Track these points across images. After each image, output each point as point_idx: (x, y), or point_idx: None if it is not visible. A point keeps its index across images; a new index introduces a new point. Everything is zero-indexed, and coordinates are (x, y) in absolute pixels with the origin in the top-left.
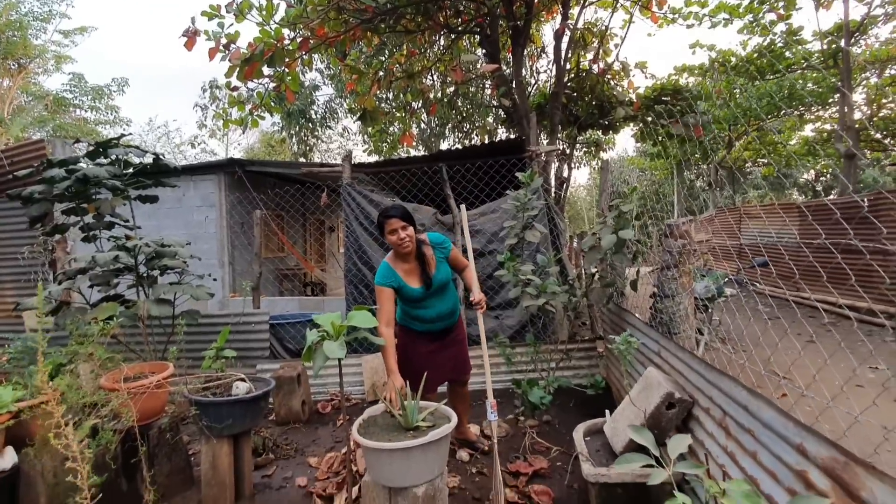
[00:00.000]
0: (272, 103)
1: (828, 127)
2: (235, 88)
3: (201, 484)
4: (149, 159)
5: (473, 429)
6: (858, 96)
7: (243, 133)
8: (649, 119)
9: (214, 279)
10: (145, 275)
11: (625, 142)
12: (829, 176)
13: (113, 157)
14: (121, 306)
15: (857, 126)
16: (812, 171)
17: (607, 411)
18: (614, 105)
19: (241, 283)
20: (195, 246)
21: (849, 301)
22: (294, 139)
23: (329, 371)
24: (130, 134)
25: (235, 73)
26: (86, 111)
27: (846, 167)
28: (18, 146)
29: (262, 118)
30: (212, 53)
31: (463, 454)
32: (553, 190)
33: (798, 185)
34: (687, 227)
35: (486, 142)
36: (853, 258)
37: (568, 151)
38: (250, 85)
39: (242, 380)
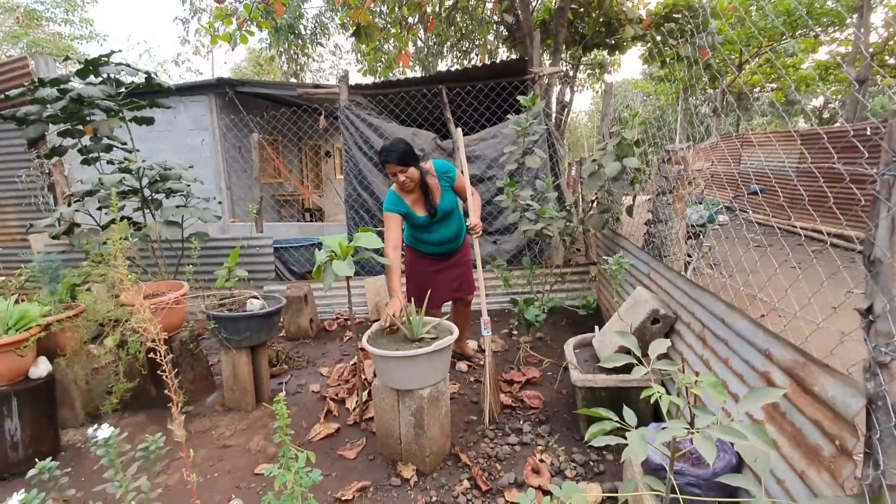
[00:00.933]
0: (260, 17)
1: (842, 50)
2: (221, 1)
3: (223, 389)
4: (141, 79)
5: (472, 344)
6: (877, 17)
7: (232, 50)
8: (658, 38)
9: (220, 202)
10: (150, 198)
11: (630, 64)
12: (837, 103)
13: (104, 75)
14: (131, 228)
15: (871, 50)
16: (821, 98)
17: (596, 327)
18: (622, 23)
19: (241, 209)
20: (192, 170)
21: (841, 230)
22: (283, 57)
23: (333, 292)
24: (120, 50)
25: None
26: (59, 25)
27: (854, 92)
28: (1, 64)
29: (251, 33)
30: None
31: (462, 366)
32: (554, 114)
33: (805, 112)
34: (684, 153)
35: (487, 62)
36: (843, 186)
37: (571, 73)
38: None
39: (256, 297)
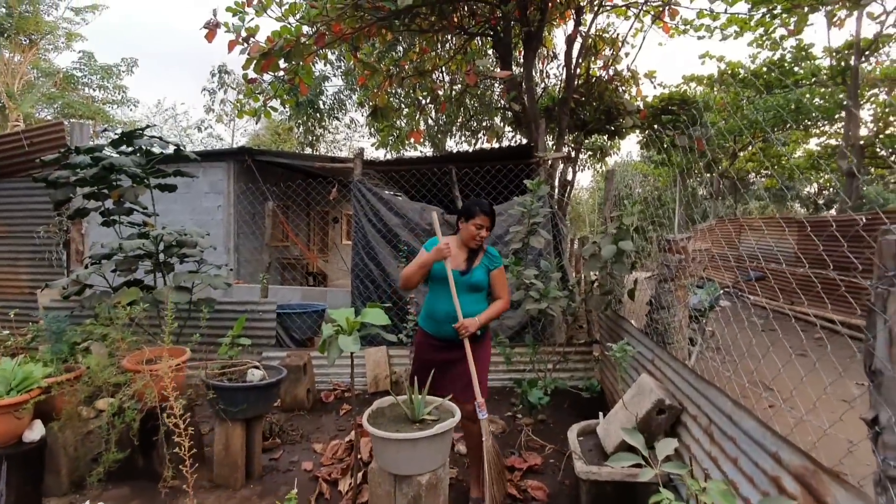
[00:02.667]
0: (285, 95)
1: (832, 142)
2: (253, 80)
3: (213, 463)
4: (170, 150)
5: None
6: (866, 113)
7: (257, 123)
8: (655, 127)
9: (231, 269)
10: (164, 262)
11: (630, 146)
12: (831, 190)
13: (137, 146)
14: (142, 292)
15: (861, 143)
16: (815, 185)
17: (601, 413)
18: (622, 113)
19: (246, 270)
20: (209, 234)
21: (843, 317)
22: (301, 128)
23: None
24: (155, 125)
25: (252, 66)
26: (94, 90)
27: (847, 184)
28: (38, 128)
29: (276, 110)
30: (231, 45)
31: (461, 447)
32: (556, 192)
33: (800, 197)
34: (685, 243)
35: (495, 143)
36: (846, 274)
37: (573, 155)
38: (265, 77)
39: (257, 367)
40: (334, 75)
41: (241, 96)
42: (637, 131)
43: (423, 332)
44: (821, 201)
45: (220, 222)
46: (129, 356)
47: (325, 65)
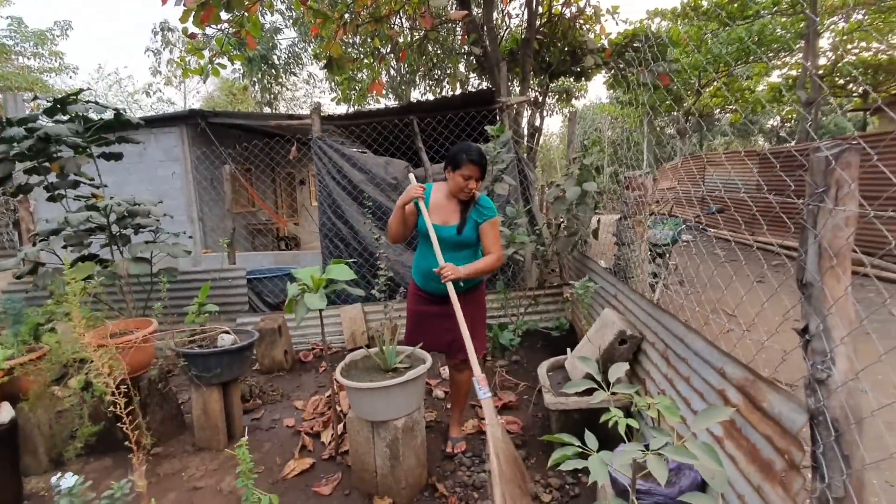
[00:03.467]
0: (232, 50)
1: (794, 73)
2: (193, 35)
3: (194, 428)
4: (109, 115)
5: (463, 427)
6: (825, 41)
7: (203, 82)
8: (621, 66)
9: (190, 237)
10: (118, 234)
11: (598, 89)
12: (793, 122)
13: (72, 113)
14: (97, 265)
15: (821, 72)
16: (778, 118)
17: (568, 349)
18: (586, 53)
19: (213, 239)
20: (162, 203)
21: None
22: (257, 87)
23: (309, 322)
24: (89, 88)
25: (191, 18)
26: (28, 58)
27: (806, 113)
28: None
29: (224, 66)
30: None
31: (439, 392)
32: (525, 139)
33: (763, 131)
34: (643, 179)
35: (458, 91)
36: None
37: (540, 100)
38: (208, 31)
39: (227, 332)
40: (286, 26)
41: (183, 53)
42: (603, 71)
43: (413, 283)
44: (783, 133)
45: (180, 190)
46: (93, 331)
47: (273, 15)
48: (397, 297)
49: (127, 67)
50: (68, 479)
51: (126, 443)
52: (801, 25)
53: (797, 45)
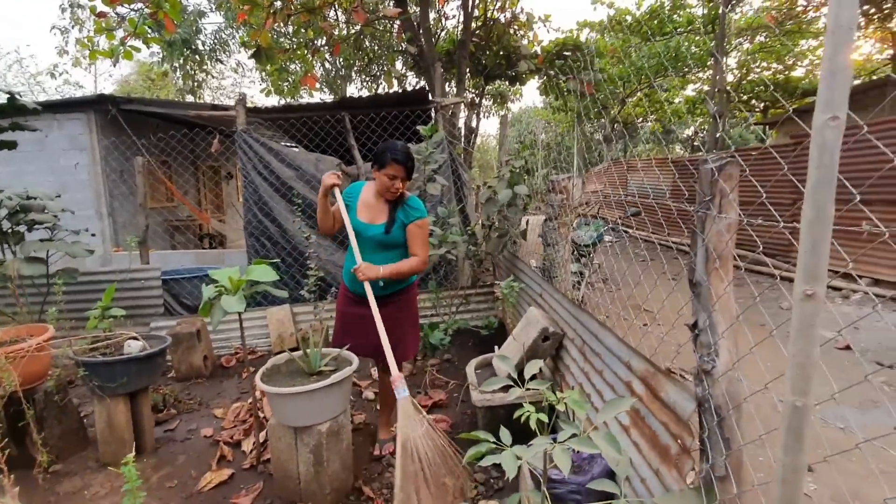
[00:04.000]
0: (148, 32)
1: (706, 88)
2: (102, 14)
3: (98, 443)
4: (1, 98)
5: (392, 427)
6: (732, 60)
7: (114, 66)
8: (552, 73)
9: (93, 234)
10: (10, 231)
11: (533, 93)
12: (704, 133)
13: None
14: None
15: (728, 88)
16: (692, 128)
17: (496, 347)
18: (519, 58)
19: (125, 236)
20: (66, 196)
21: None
22: (178, 73)
23: (232, 325)
24: None
25: None
26: None
27: (714, 126)
28: None
29: (137, 49)
30: None
31: (369, 394)
32: (462, 139)
33: (680, 140)
34: (566, 183)
35: (394, 89)
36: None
37: (476, 101)
38: (121, 10)
39: (135, 338)
40: (212, 9)
41: (91, 34)
42: (535, 77)
43: (343, 284)
44: (696, 143)
45: (86, 182)
46: None
47: None
48: (328, 297)
49: (29, 46)
50: None
51: (26, 456)
52: (713, 44)
53: (708, 62)
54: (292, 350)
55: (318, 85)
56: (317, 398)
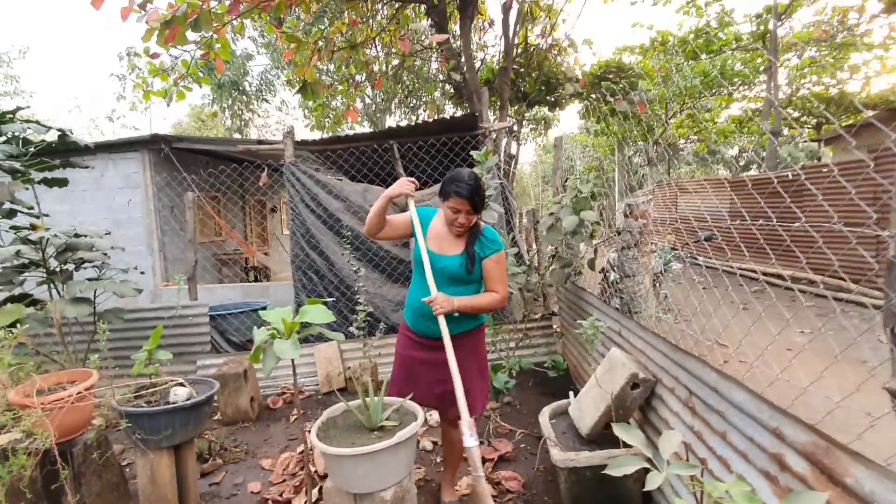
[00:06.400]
0: (200, 73)
1: (752, 106)
2: (156, 55)
3: (140, 500)
4: (52, 136)
5: (456, 487)
6: (781, 77)
7: (168, 106)
8: (593, 96)
9: (142, 272)
10: (57, 270)
11: (568, 120)
12: (751, 152)
13: (8, 134)
14: (29, 308)
15: (780, 104)
16: (736, 148)
17: (571, 393)
18: (562, 81)
19: (176, 270)
20: (119, 232)
21: (776, 270)
22: (227, 113)
23: (279, 363)
24: (28, 106)
25: (154, 37)
26: None
27: (771, 143)
28: None
29: (189, 90)
30: (125, 13)
31: (426, 443)
32: (502, 167)
33: (724, 160)
34: (646, 206)
35: (436, 118)
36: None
37: (516, 128)
38: (174, 52)
39: (182, 384)
40: (259, 52)
41: (145, 75)
42: (577, 100)
43: (404, 324)
44: (741, 163)
45: (139, 220)
46: (18, 388)
47: (245, 38)
48: (377, 333)
49: (92, 95)
50: None
51: None
52: (758, 61)
53: (757, 79)
54: (341, 391)
55: (359, 118)
56: (381, 460)
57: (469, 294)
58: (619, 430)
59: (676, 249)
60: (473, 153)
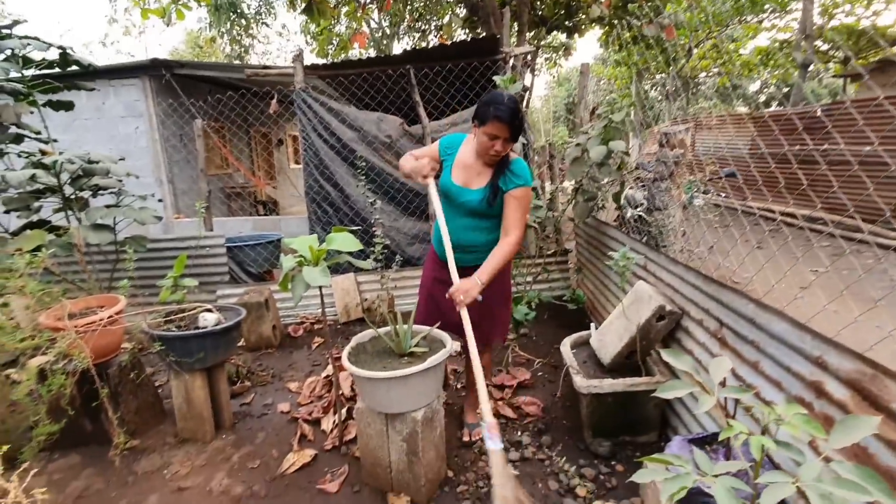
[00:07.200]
0: None
1: (781, 36)
2: None
3: (175, 416)
4: (53, 54)
5: (478, 408)
6: (815, 7)
7: (167, 26)
8: (615, 22)
9: (160, 199)
10: (73, 196)
11: (583, 51)
12: (772, 87)
13: (8, 51)
14: (49, 234)
15: (813, 34)
16: (758, 82)
17: (592, 325)
18: (584, 3)
19: (185, 203)
20: (127, 163)
21: (795, 210)
22: (226, 38)
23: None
24: (26, 20)
25: None
26: None
27: (801, 76)
28: None
29: (189, 8)
30: None
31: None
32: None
33: (745, 96)
34: (684, 136)
35: (451, 42)
36: (806, 168)
37: (534, 55)
38: None
39: (210, 310)
40: None
41: None
42: (596, 26)
43: (432, 252)
44: (762, 98)
45: (145, 149)
46: (48, 311)
47: None
48: (393, 266)
49: (79, 17)
50: None
51: (101, 432)
52: None
53: (789, 7)
54: (359, 321)
55: (366, 44)
56: (412, 384)
57: (491, 228)
58: (667, 355)
59: (707, 183)
60: (496, 78)
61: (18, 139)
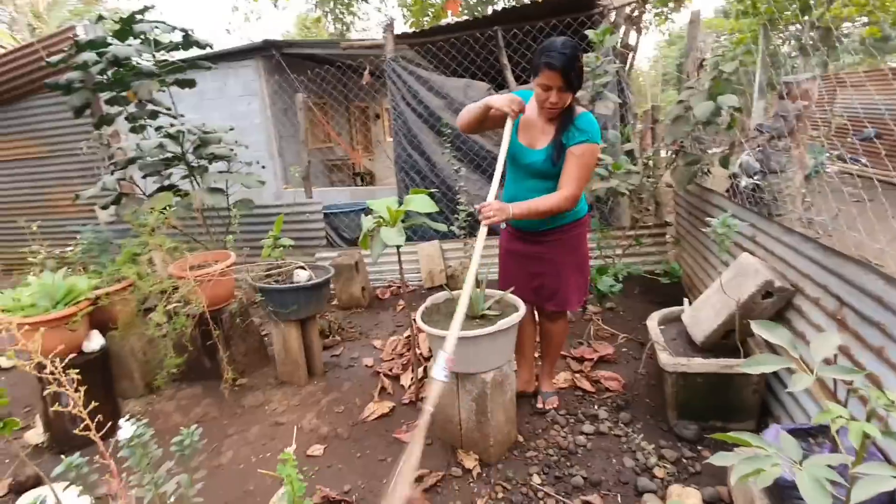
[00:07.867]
0: None
1: None
2: None
3: (276, 362)
4: (177, 36)
5: (554, 380)
6: None
7: (274, 5)
8: None
9: (263, 167)
10: (195, 164)
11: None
12: None
13: (141, 36)
14: (175, 196)
15: None
16: None
17: (686, 300)
18: None
19: (292, 174)
20: (243, 137)
21: None
22: (329, 17)
23: (385, 259)
24: (153, 6)
25: None
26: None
27: None
28: (52, 35)
29: None
30: None
31: None
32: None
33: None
34: (809, 85)
35: None
36: None
37: (637, 13)
38: None
39: (302, 268)
40: None
41: None
42: None
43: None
44: None
45: (259, 126)
46: (175, 263)
47: None
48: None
49: (209, 9)
50: (126, 429)
51: (217, 369)
52: None
53: None
54: (445, 287)
55: (460, 10)
56: (482, 345)
57: (546, 190)
58: (758, 326)
59: (836, 148)
60: (589, 32)
61: (154, 115)
